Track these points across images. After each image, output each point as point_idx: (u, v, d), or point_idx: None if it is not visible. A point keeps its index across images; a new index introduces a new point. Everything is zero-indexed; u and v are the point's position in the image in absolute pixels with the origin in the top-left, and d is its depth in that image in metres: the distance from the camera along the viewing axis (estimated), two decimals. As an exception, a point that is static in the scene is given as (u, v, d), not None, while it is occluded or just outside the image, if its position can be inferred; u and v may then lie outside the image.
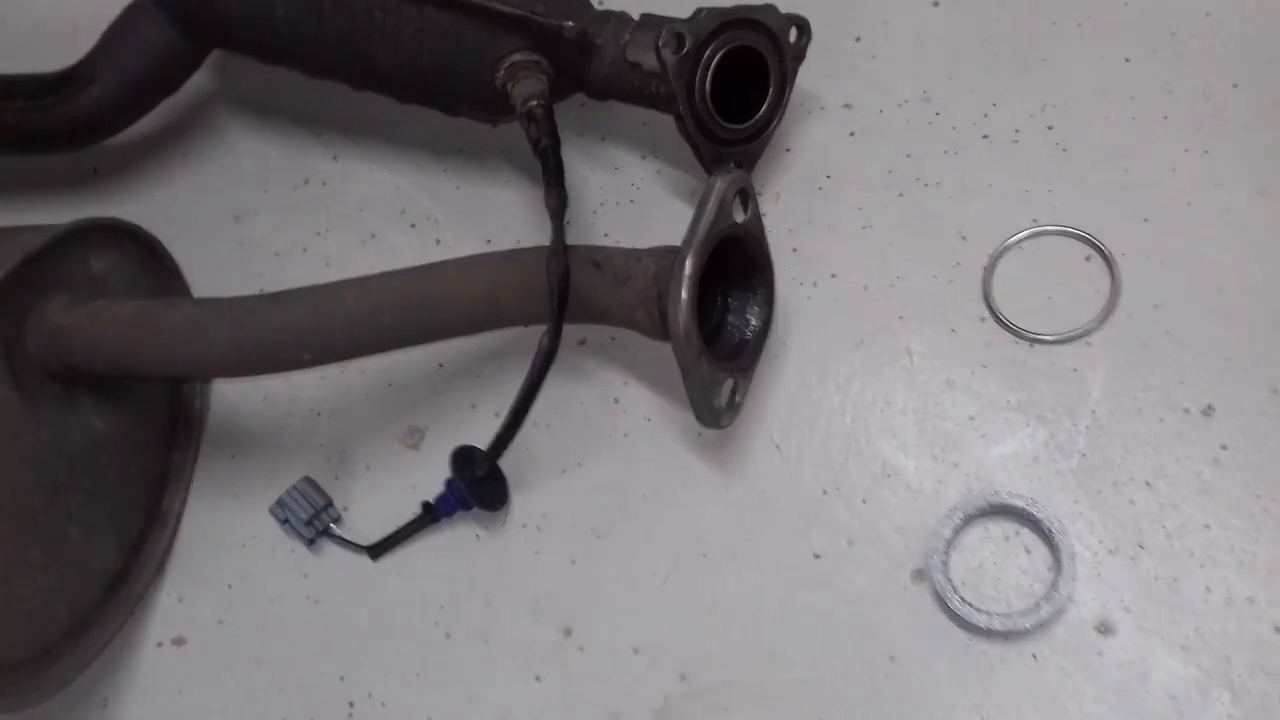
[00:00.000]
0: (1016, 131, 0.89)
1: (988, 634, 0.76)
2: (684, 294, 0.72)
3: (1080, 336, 0.82)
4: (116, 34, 0.93)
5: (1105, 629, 0.75)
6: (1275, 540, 0.75)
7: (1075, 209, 0.85)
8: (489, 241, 0.95)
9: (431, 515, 0.84)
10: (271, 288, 0.87)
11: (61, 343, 0.78)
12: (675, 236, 0.74)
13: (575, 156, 0.95)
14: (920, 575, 0.79)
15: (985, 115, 0.90)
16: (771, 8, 0.85)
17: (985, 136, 0.90)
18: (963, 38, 0.93)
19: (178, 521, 0.90)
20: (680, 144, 0.86)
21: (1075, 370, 0.82)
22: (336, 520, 0.88)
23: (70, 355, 0.78)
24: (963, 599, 0.76)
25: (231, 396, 0.94)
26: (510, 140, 0.90)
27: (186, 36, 0.92)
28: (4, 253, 0.75)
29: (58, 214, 0.99)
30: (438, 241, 0.96)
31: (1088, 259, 0.84)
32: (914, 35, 0.94)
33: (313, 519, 0.86)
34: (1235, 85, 0.87)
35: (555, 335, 0.75)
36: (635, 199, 0.94)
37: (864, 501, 0.81)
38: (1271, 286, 0.81)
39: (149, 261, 0.88)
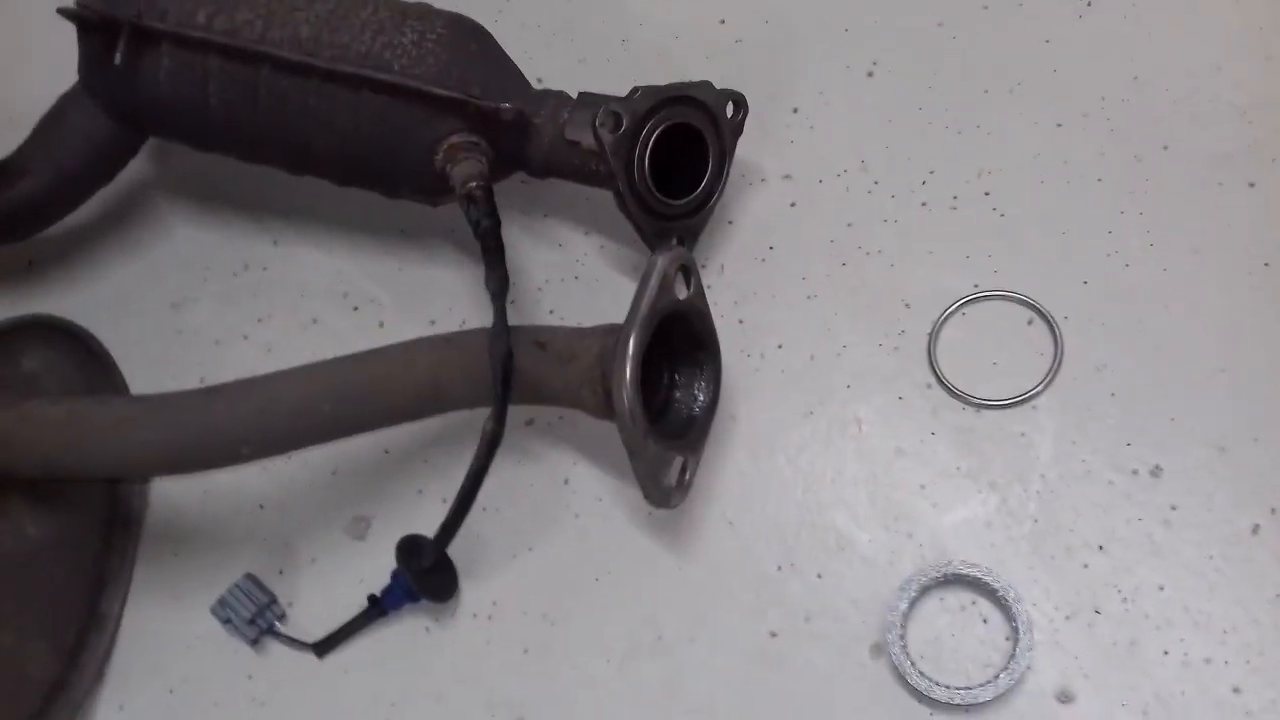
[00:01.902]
0: (954, 198, 0.90)
1: (948, 707, 0.75)
2: (627, 373, 0.71)
3: (1026, 400, 0.82)
4: (49, 125, 0.92)
5: (1065, 697, 0.74)
6: (1229, 599, 0.75)
7: (1015, 273, 0.86)
8: (433, 323, 0.94)
9: (379, 608, 0.82)
10: (211, 376, 0.86)
11: (-10, 448, 0.75)
12: (621, 311, 0.73)
13: (518, 234, 0.95)
14: (878, 650, 0.78)
15: (923, 183, 0.91)
16: (707, 84, 0.86)
17: (924, 204, 0.90)
18: (898, 107, 0.94)
19: (117, 625, 0.87)
20: (624, 219, 0.86)
21: (1023, 435, 0.82)
22: (281, 617, 0.85)
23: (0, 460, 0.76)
24: (921, 673, 0.75)
25: (172, 492, 0.91)
26: (452, 220, 0.90)
27: (120, 126, 0.91)
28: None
29: (-9, 308, 0.98)
30: (381, 324, 0.95)
31: (1030, 322, 0.85)
32: (850, 106, 0.96)
33: (255, 617, 0.83)
34: (1165, 147, 0.89)
35: (500, 420, 0.74)
36: (580, 275, 0.94)
37: (819, 576, 0.80)
38: (1210, 344, 0.82)
39: (83, 357, 0.87)
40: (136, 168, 0.98)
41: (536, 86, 0.88)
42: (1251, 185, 0.86)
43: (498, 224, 0.80)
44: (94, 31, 0.85)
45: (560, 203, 0.96)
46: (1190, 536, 0.77)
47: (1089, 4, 0.95)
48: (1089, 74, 0.92)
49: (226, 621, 0.84)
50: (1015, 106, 0.93)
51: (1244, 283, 0.83)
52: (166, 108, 0.88)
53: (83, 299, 0.99)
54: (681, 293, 0.78)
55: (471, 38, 0.87)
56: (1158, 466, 0.79)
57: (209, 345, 0.96)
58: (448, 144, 0.83)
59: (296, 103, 0.84)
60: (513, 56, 0.88)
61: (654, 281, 0.74)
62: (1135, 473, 0.79)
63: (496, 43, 0.88)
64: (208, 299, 0.99)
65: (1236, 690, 0.73)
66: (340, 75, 0.82)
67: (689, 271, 0.79)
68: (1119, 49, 0.93)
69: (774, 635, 0.79)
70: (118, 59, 0.84)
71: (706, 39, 1.01)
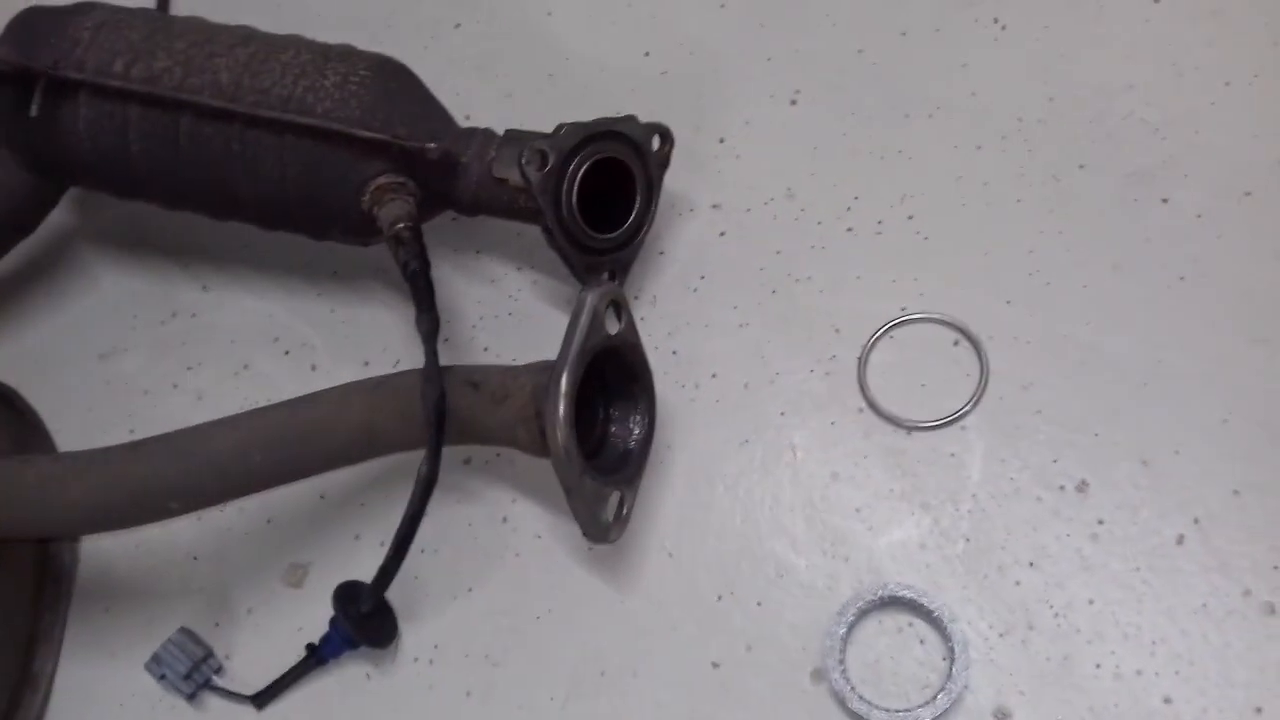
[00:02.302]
0: (879, 223, 0.91)
1: (889, 730, 0.76)
2: (561, 412, 0.71)
3: (955, 421, 0.84)
4: (-34, 178, 0.91)
5: (1002, 714, 0.75)
6: (1157, 611, 0.76)
7: (941, 295, 0.87)
8: (367, 364, 0.93)
9: (317, 657, 0.82)
10: (141, 427, 0.85)
11: (-91, 512, 0.74)
12: (556, 347, 0.73)
13: (450, 271, 0.95)
14: (819, 675, 0.78)
15: (848, 209, 0.92)
16: (632, 119, 0.87)
17: (850, 230, 0.92)
18: (821, 134, 0.96)
19: (50, 684, 0.85)
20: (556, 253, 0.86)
21: (953, 455, 0.83)
22: (218, 671, 0.84)
23: (-81, 525, 0.74)
24: (861, 697, 0.76)
25: (102, 547, 0.90)
26: (383, 259, 0.89)
27: (39, 176, 0.90)
28: None
29: (-88, 365, 0.96)
30: (314, 367, 0.94)
31: (956, 344, 0.86)
32: (775, 134, 0.97)
33: (191, 672, 0.82)
34: (1081, 166, 0.91)
35: (434, 462, 0.74)
36: (514, 311, 0.94)
37: (759, 604, 0.81)
38: (1132, 359, 0.83)
39: (6, 414, 0.85)
40: (59, 217, 0.97)
41: (464, 123, 0.88)
42: (1165, 201, 0.88)
43: (427, 265, 0.80)
44: (8, 83, 0.84)
45: (491, 239, 0.96)
46: (1117, 550, 0.78)
47: (1003, 28, 0.97)
48: (1006, 96, 0.94)
49: (162, 678, 0.83)
50: (935, 130, 0.94)
51: (1162, 297, 0.85)
52: (86, 158, 0.87)
53: (7, 353, 0.97)
54: (613, 328, 0.78)
55: (395, 78, 0.87)
56: (1084, 482, 0.81)
57: (138, 395, 0.95)
58: (375, 185, 0.83)
59: (219, 149, 0.84)
60: (439, 93, 0.88)
61: (584, 319, 0.74)
62: (1063, 489, 0.80)
63: (421, 82, 0.88)
64: (136, 348, 0.97)
65: (1168, 700, 0.74)
66: (263, 120, 0.82)
67: (620, 306, 0.79)
68: (1034, 71, 0.95)
69: (716, 666, 0.80)
70: (34, 110, 0.83)
71: (632, 71, 1.01)
